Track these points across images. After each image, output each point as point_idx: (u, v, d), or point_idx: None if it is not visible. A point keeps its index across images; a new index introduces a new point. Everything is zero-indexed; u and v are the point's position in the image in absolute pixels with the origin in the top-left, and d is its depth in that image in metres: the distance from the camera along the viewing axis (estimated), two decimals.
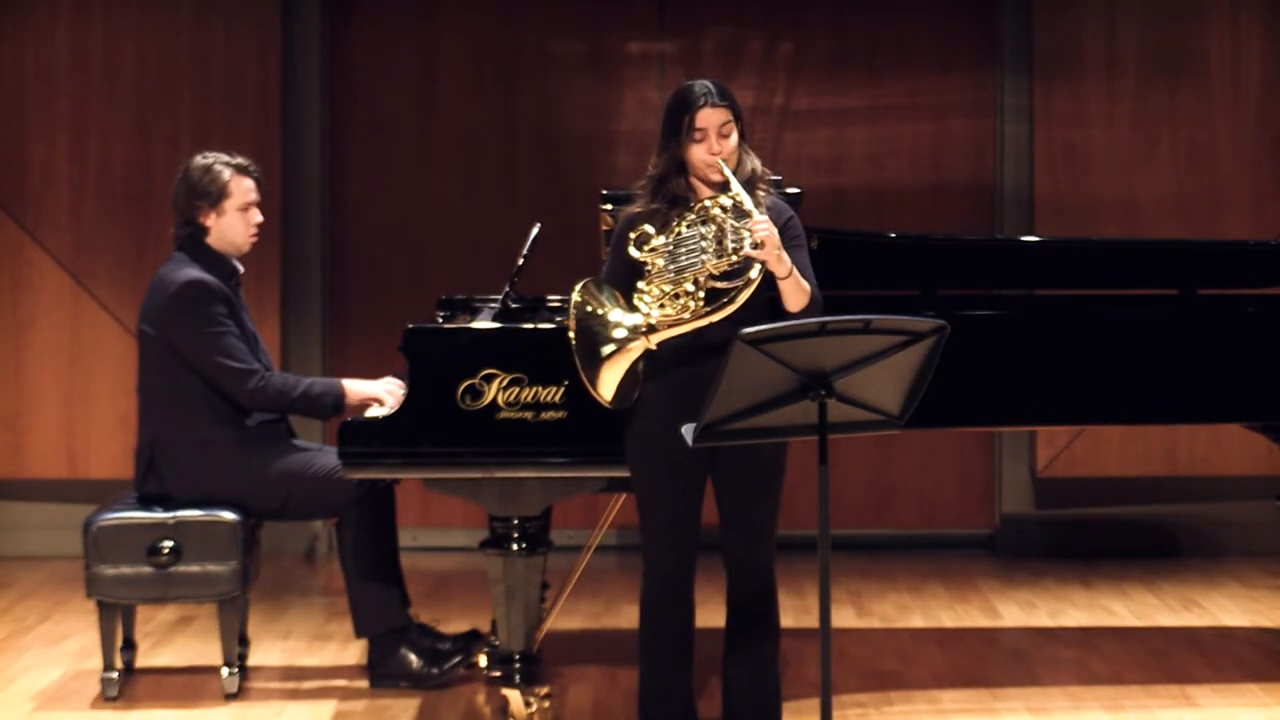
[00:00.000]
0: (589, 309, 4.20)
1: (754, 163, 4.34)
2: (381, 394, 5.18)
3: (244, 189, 5.29)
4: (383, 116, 7.53)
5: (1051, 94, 7.38)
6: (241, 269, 5.36)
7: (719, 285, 4.16)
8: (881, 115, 7.54)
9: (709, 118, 4.25)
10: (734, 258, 4.14)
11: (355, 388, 5.24)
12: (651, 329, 4.17)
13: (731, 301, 4.14)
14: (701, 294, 4.17)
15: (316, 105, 7.42)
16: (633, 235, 4.26)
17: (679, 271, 4.18)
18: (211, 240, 5.27)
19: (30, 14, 7.27)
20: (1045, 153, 7.39)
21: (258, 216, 5.33)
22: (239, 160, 5.32)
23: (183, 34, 7.30)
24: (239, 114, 7.29)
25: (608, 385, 4.20)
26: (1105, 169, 7.38)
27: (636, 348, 4.19)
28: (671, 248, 4.21)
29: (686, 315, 4.16)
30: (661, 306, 4.18)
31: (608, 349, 4.17)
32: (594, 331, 4.19)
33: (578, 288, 4.22)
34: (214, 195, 5.25)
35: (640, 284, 4.22)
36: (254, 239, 5.34)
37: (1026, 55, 7.41)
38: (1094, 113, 7.39)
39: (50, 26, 7.29)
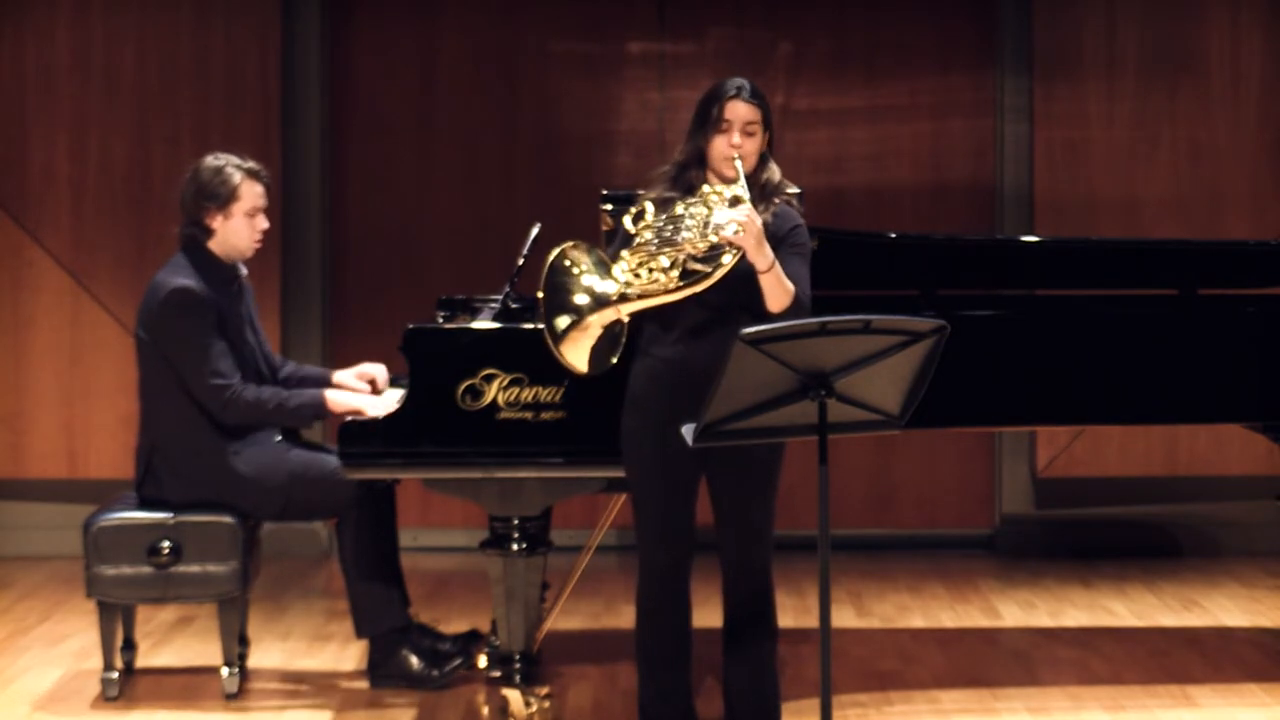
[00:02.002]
0: (567, 267, 4.20)
1: (773, 173, 4.37)
2: (365, 407, 5.08)
3: (254, 194, 5.22)
4: (383, 116, 7.53)
5: (1051, 94, 7.38)
6: (245, 271, 5.33)
7: (697, 267, 4.18)
8: (881, 115, 7.54)
9: (737, 110, 4.28)
10: (713, 238, 4.15)
11: (338, 400, 5.18)
12: (624, 298, 4.19)
13: (704, 279, 4.15)
14: (676, 271, 4.19)
15: (316, 105, 7.42)
16: (633, 210, 4.30)
17: (661, 245, 4.20)
18: (214, 244, 5.21)
19: (30, 14, 7.27)
20: (1045, 153, 7.39)
21: (264, 223, 5.26)
22: (250, 164, 5.24)
23: (183, 34, 7.30)
24: (239, 114, 7.29)
25: (575, 350, 4.21)
26: (1105, 169, 7.38)
27: (605, 315, 4.20)
28: (662, 224, 4.24)
29: (657, 288, 4.18)
30: (637, 276, 4.20)
31: (566, 319, 4.18)
32: (564, 292, 4.20)
33: (561, 246, 4.22)
34: (223, 198, 5.18)
35: (624, 252, 4.26)
36: (258, 244, 5.28)
37: (1026, 55, 7.40)
38: (1094, 112, 7.39)
39: (50, 26, 7.28)
